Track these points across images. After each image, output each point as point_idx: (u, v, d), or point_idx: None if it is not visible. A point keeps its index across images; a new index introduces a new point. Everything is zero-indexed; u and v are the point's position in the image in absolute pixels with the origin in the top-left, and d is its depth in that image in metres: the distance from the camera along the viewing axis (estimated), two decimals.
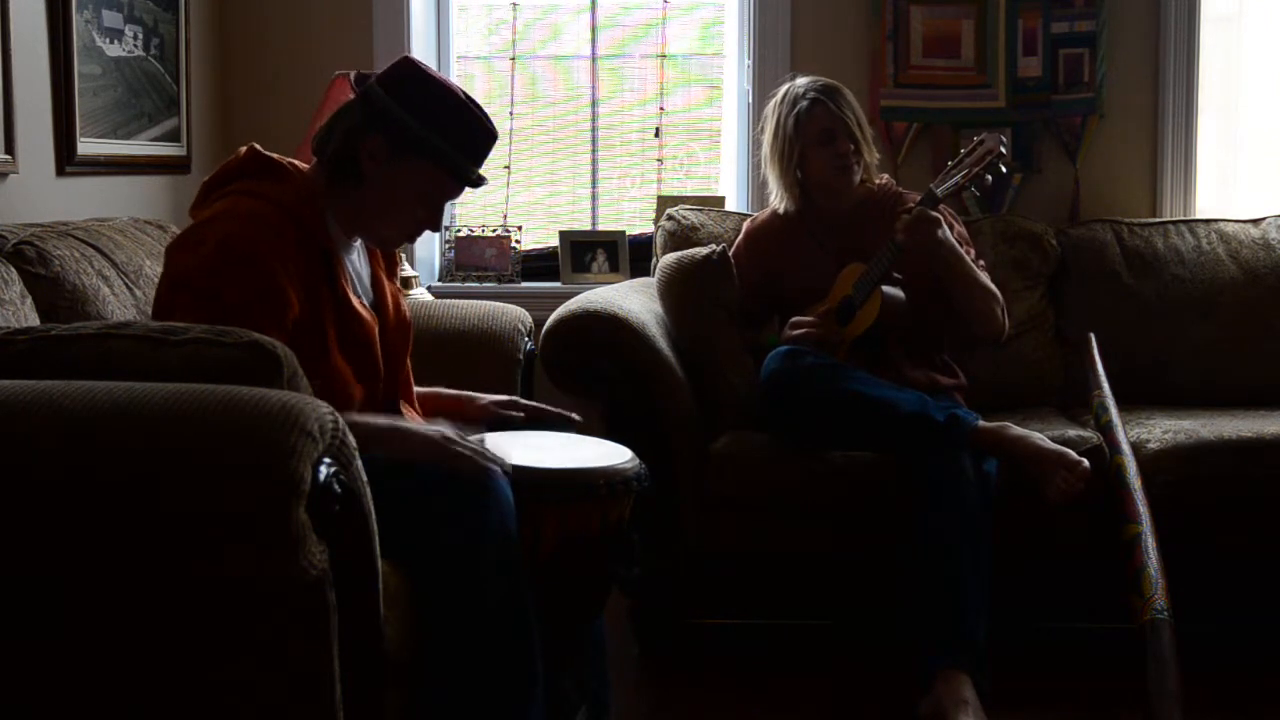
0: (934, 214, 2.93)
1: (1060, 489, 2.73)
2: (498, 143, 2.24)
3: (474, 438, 2.08)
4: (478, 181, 2.24)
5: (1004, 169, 3.00)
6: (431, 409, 2.42)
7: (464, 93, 2.21)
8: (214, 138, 3.79)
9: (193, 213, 2.18)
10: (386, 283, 2.34)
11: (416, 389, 2.43)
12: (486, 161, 2.24)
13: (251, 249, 2.02)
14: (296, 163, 2.22)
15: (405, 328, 2.35)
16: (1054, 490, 2.74)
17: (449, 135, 2.15)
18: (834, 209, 3.18)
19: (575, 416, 2.48)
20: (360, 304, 2.20)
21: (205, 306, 1.95)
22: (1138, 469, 2.82)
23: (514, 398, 2.53)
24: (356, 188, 2.16)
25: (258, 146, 2.20)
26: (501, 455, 2.07)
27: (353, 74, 2.21)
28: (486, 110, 2.23)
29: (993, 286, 3.07)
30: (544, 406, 2.49)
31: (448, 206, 3.99)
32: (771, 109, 3.18)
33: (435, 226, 2.25)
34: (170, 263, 2.07)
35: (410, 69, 2.19)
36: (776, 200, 3.22)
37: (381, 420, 2.10)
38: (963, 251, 3.01)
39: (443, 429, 2.06)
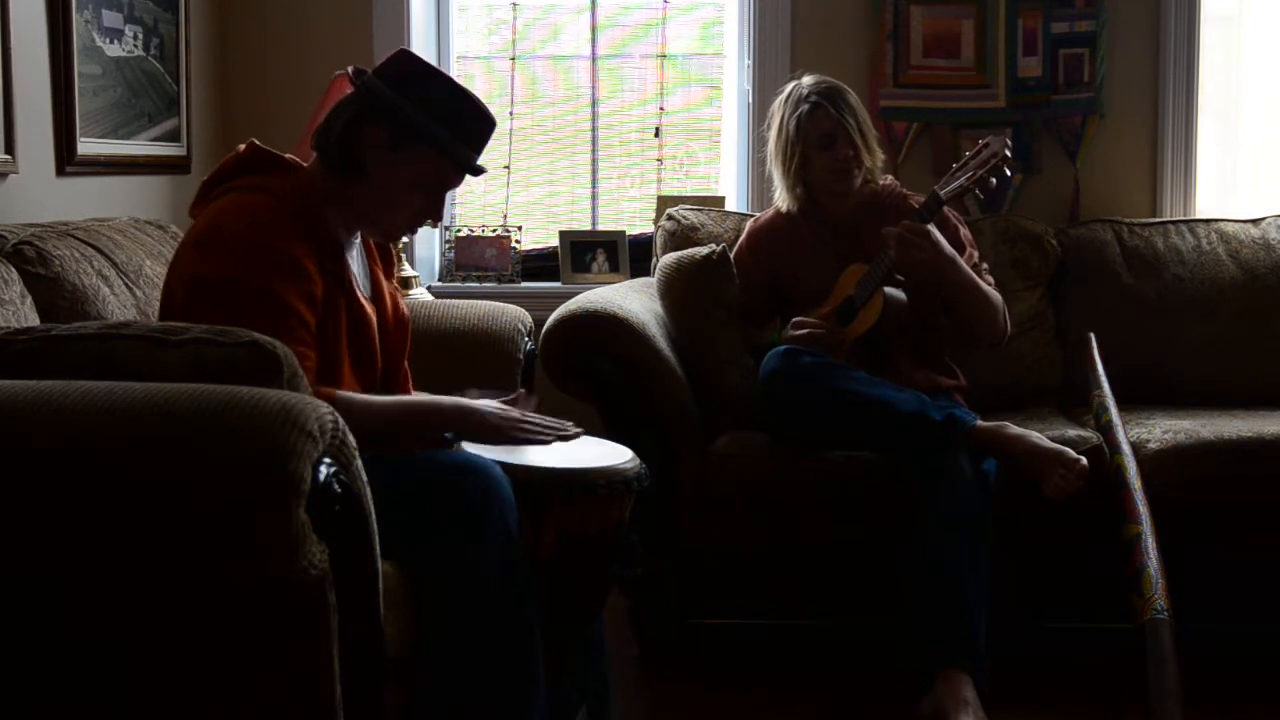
0: (921, 226, 2.91)
1: (1059, 487, 2.73)
2: (498, 142, 2.25)
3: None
4: (478, 169, 2.25)
5: (1008, 172, 2.99)
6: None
7: (460, 83, 2.22)
8: (214, 138, 3.79)
9: (192, 211, 2.18)
10: (384, 283, 2.35)
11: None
12: (486, 158, 2.25)
13: (266, 235, 2.03)
14: (296, 159, 2.22)
15: (404, 327, 2.35)
16: (1052, 489, 2.74)
17: (450, 123, 2.16)
18: (836, 210, 3.18)
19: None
20: (364, 299, 2.22)
21: (231, 297, 1.96)
22: (1138, 469, 2.82)
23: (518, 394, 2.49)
24: (358, 180, 2.17)
25: (258, 142, 2.21)
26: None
27: (350, 68, 2.22)
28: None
29: (993, 293, 3.06)
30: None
31: (447, 204, 4.00)
32: (777, 107, 3.18)
33: (437, 216, 2.26)
34: (185, 266, 2.06)
35: (408, 60, 2.21)
36: (780, 199, 3.22)
37: (409, 399, 2.15)
38: (961, 260, 3.00)
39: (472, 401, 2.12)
